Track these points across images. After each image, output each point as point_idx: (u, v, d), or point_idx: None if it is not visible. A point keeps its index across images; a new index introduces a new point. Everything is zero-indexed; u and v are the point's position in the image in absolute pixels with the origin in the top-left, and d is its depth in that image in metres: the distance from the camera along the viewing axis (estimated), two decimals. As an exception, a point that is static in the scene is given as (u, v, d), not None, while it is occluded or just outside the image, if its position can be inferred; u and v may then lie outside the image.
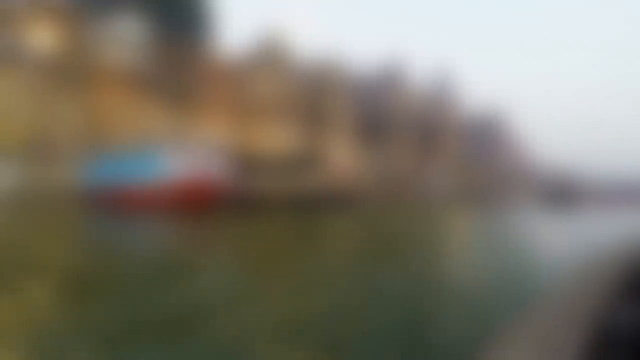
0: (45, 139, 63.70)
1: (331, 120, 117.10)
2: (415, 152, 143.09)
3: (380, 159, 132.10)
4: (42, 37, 65.31)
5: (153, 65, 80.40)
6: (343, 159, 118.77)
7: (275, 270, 10.80)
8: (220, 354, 5.69)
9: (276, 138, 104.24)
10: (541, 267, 12.01)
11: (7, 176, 56.00)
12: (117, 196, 36.61)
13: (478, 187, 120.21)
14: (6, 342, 5.84)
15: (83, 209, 30.14)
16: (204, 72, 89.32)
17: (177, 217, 25.55)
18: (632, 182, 76.66)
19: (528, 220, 26.92)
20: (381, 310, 7.62)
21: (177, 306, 7.70)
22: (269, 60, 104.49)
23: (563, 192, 64.37)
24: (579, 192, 66.30)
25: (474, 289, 9.31)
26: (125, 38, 75.58)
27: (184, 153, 34.51)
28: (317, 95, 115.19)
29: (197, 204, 34.56)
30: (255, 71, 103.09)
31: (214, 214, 27.85)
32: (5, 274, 10.03)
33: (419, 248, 14.98)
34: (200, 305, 7.82)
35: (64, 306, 7.63)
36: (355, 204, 41.53)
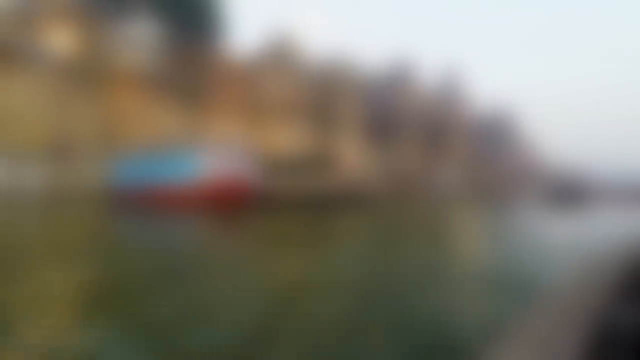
0: (65, 139, 64.12)
1: (341, 119, 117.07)
2: (423, 151, 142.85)
3: (389, 158, 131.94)
4: (60, 40, 65.82)
5: (166, 67, 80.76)
6: (353, 158, 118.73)
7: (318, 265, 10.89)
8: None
9: (287, 138, 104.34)
10: (547, 265, 12.04)
11: (32, 177, 56.25)
12: (148, 196, 36.78)
13: (486, 186, 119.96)
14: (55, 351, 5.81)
15: (113, 209, 30.16)
16: (216, 73, 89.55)
17: (210, 216, 25.63)
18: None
19: (535, 219, 26.89)
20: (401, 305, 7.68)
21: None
22: (280, 61, 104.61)
23: (570, 191, 64.08)
24: (586, 191, 66.00)
25: (481, 285, 9.36)
26: (139, 40, 75.99)
27: (213, 153, 34.85)
28: (327, 95, 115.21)
29: (230, 203, 34.89)
30: (265, 72, 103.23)
31: (244, 213, 28.01)
32: (42, 275, 10.11)
33: (430, 245, 15.03)
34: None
35: (106, 306, 7.70)
36: (366, 203, 41.62)
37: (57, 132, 64.06)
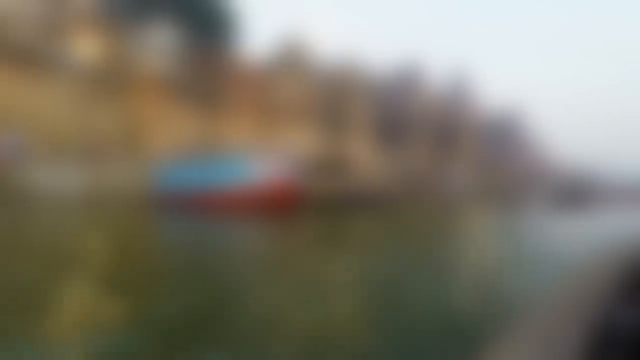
0: (92, 144, 64.65)
1: (352, 122, 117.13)
2: (433, 153, 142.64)
3: (399, 159, 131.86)
4: (84, 46, 66.53)
5: (184, 71, 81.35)
6: (365, 160, 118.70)
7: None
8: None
9: (299, 141, 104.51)
10: (555, 266, 12.05)
11: (68, 179, 56.43)
12: (196, 200, 36.87)
13: (494, 186, 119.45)
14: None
15: (159, 211, 30.03)
16: (231, 77, 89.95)
17: (262, 218, 25.62)
18: None
19: (543, 220, 26.83)
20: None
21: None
22: (292, 65, 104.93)
23: (579, 192, 63.77)
24: (594, 191, 65.72)
25: (489, 285, 9.41)
26: (159, 46, 76.65)
27: (262, 158, 35.22)
28: (338, 97, 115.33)
29: (282, 206, 35.13)
30: (278, 75, 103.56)
31: (289, 215, 28.07)
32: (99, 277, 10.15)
33: (443, 246, 15.08)
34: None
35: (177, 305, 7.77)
36: (380, 204, 41.59)
37: (84, 136, 64.68)
